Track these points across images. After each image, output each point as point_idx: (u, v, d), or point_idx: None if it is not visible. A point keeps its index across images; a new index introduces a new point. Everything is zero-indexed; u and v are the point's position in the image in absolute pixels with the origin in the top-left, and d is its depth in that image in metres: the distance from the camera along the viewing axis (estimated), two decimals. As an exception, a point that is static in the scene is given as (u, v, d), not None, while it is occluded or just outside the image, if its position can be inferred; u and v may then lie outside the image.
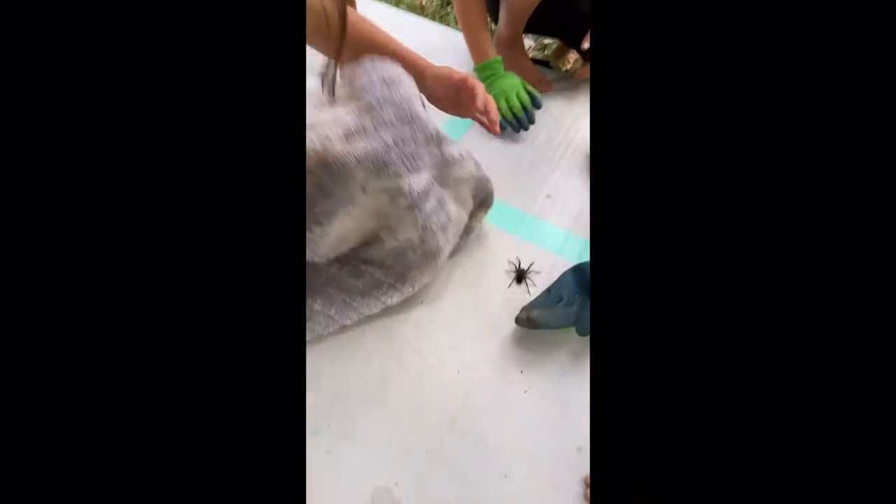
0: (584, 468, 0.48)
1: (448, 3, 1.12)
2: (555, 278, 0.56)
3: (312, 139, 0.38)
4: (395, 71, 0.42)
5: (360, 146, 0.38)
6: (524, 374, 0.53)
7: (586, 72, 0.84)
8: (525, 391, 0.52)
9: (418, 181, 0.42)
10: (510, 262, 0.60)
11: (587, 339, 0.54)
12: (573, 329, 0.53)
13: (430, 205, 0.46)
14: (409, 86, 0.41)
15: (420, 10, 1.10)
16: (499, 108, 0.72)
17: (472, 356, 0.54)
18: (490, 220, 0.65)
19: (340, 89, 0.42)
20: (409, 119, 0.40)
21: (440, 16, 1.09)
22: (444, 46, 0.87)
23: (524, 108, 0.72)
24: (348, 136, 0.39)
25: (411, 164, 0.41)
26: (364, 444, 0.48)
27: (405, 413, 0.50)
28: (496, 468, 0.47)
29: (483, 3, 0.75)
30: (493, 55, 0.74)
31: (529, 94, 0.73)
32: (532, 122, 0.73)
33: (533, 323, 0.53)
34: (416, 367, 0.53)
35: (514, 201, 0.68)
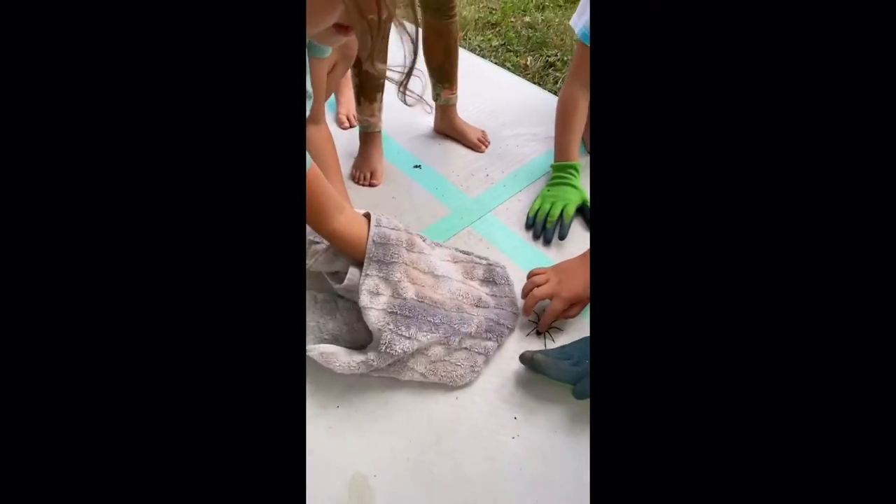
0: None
1: (551, 66, 1.21)
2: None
3: (452, 285, 0.62)
4: (508, 274, 0.67)
5: (481, 313, 0.62)
6: (517, 421, 0.55)
7: None
8: (513, 437, 0.54)
9: (490, 346, 0.61)
10: (535, 313, 0.63)
11: (585, 406, 0.54)
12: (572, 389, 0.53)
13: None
14: (516, 285, 0.66)
15: (524, 70, 1.20)
16: (537, 207, 0.73)
17: (473, 388, 0.58)
18: (518, 261, 0.69)
19: (477, 270, 0.68)
20: (516, 311, 0.64)
21: (540, 76, 1.18)
22: (539, 107, 0.95)
23: (560, 223, 0.71)
24: (478, 305, 0.63)
25: (497, 338, 0.61)
26: (360, 432, 0.55)
27: (401, 417, 0.56)
28: (463, 497, 0.50)
29: (587, 109, 0.76)
30: (576, 160, 0.76)
31: (583, 212, 0.73)
32: (548, 240, 0.71)
33: (535, 365, 0.55)
34: (422, 382, 0.59)
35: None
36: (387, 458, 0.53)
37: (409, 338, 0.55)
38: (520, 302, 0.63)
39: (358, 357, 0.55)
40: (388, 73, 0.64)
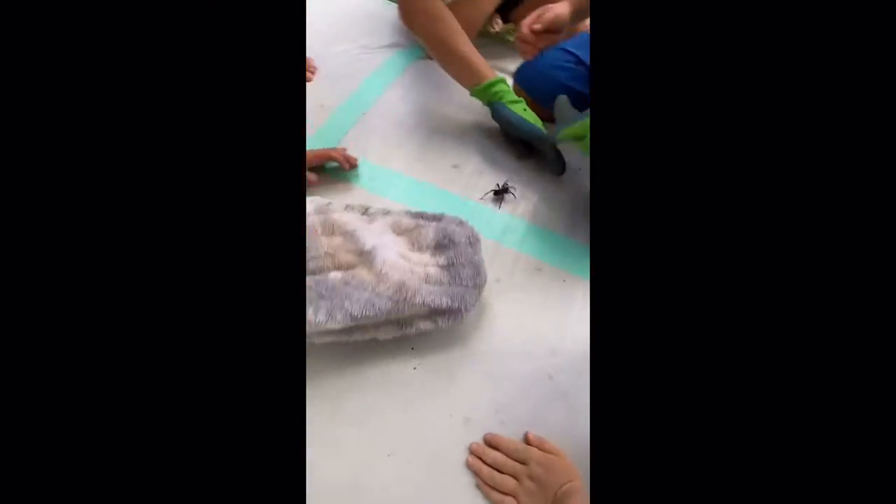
0: (471, 437, 0.47)
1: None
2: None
3: (395, 273, 0.48)
4: (475, 232, 0.54)
5: (432, 295, 0.48)
6: (414, 350, 0.52)
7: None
8: (414, 368, 0.51)
9: (429, 327, 0.50)
10: (497, 184, 0.61)
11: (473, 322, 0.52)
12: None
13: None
14: (481, 246, 0.53)
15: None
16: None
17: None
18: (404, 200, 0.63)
19: (426, 235, 0.53)
20: (479, 283, 0.50)
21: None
22: (364, 15, 0.82)
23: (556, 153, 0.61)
24: (427, 281, 0.49)
25: (450, 320, 0.49)
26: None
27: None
28: (381, 447, 0.46)
29: (453, 18, 0.62)
30: (495, 75, 0.62)
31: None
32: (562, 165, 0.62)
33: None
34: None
35: (429, 175, 0.65)
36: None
37: (324, 318, 0.45)
38: (484, 272, 0.51)
39: None
40: None
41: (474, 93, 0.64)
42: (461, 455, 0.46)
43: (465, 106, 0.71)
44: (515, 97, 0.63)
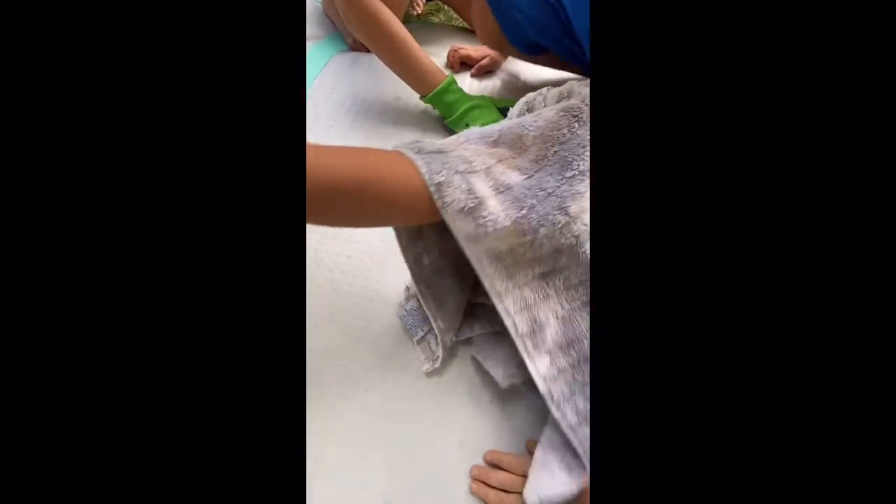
0: (470, 460, 0.43)
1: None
2: None
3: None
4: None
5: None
6: (391, 382, 0.46)
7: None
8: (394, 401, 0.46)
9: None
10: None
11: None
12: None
13: None
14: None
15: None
16: None
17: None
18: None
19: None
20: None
21: None
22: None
23: None
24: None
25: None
26: None
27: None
28: (375, 496, 0.41)
29: (399, 23, 0.56)
30: (446, 76, 0.57)
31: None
32: None
33: None
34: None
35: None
36: None
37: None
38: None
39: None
40: None
41: (426, 101, 0.60)
42: (463, 482, 0.42)
43: (402, 98, 0.65)
44: (465, 106, 0.58)
